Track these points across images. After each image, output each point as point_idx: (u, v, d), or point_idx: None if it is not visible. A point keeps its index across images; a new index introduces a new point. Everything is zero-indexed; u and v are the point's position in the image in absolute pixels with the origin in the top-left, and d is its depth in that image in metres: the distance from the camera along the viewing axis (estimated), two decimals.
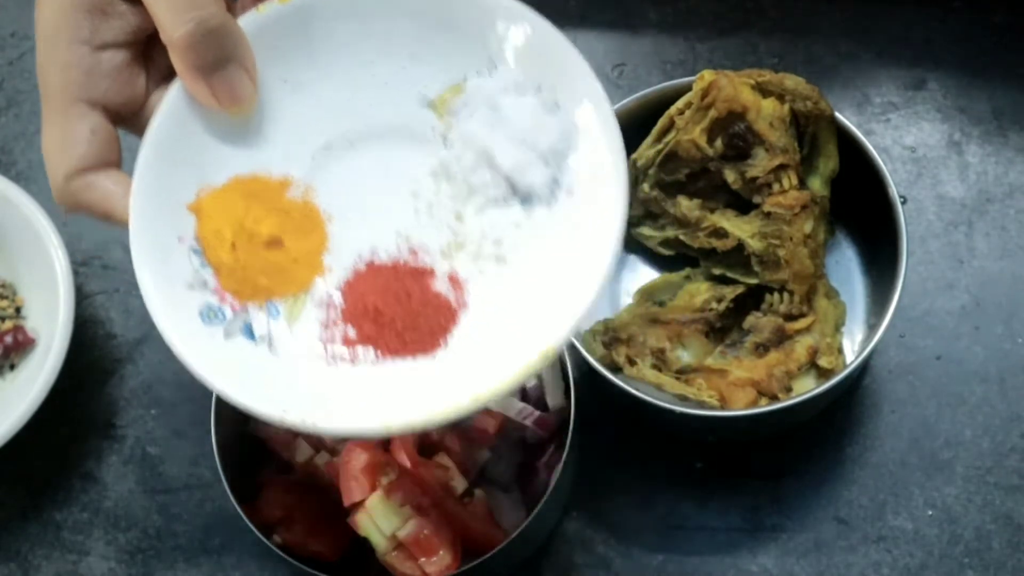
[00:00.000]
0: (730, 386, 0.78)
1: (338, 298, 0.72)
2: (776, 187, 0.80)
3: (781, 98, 0.81)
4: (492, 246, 0.73)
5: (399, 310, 0.71)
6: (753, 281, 0.81)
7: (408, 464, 0.77)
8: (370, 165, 0.74)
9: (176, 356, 0.69)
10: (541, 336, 0.68)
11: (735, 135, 0.80)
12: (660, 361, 0.81)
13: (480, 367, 0.69)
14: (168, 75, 0.69)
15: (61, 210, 0.72)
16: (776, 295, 0.80)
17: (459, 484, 0.78)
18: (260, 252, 0.73)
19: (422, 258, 0.73)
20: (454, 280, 0.72)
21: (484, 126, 0.72)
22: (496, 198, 0.73)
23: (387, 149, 0.74)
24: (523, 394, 0.82)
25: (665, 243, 0.85)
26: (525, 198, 0.72)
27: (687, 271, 0.85)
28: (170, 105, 0.71)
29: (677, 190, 0.83)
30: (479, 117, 0.72)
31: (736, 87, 0.79)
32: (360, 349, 0.71)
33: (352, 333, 0.71)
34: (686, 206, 0.82)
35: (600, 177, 0.70)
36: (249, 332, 0.72)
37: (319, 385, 0.69)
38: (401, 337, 0.71)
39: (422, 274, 0.72)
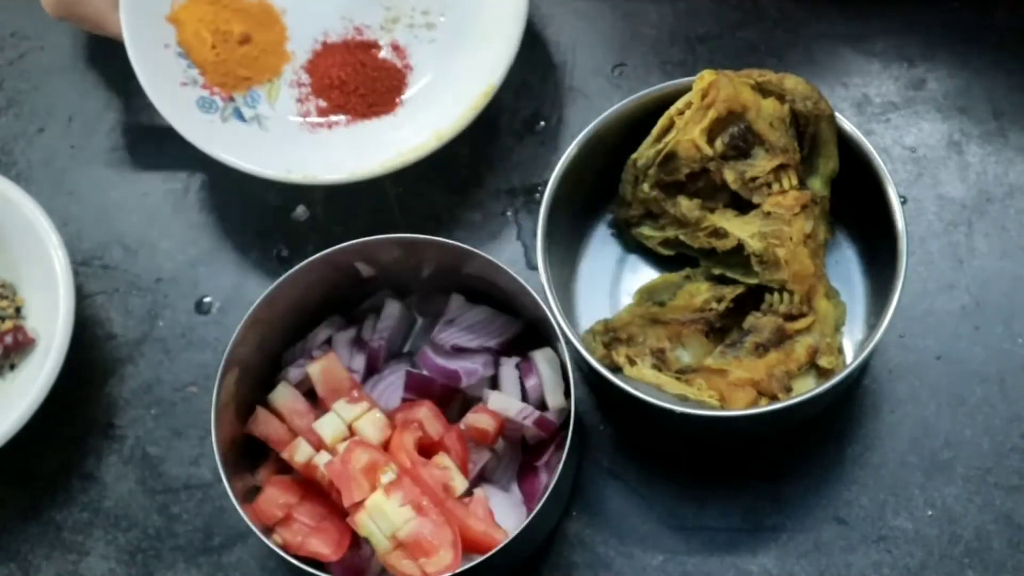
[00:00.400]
0: (730, 386, 0.78)
1: (305, 77, 0.90)
2: (776, 187, 0.80)
3: (781, 98, 0.81)
4: (421, 16, 0.91)
5: (358, 78, 0.90)
6: (753, 281, 0.81)
7: (408, 464, 0.77)
8: None
9: (187, 140, 0.86)
10: (481, 79, 0.86)
11: (735, 135, 0.80)
12: (660, 361, 0.81)
13: (435, 113, 0.87)
14: None
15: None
16: (776, 295, 0.80)
17: (459, 484, 0.78)
18: (235, 48, 0.90)
19: (366, 34, 0.92)
20: (396, 48, 0.91)
21: None
22: None
23: None
24: (523, 394, 0.82)
25: (665, 243, 0.85)
26: None
27: (687, 271, 0.85)
28: None
29: (677, 190, 0.83)
30: None
31: (736, 87, 0.79)
32: (333, 117, 0.89)
33: (323, 104, 0.90)
34: (686, 206, 0.82)
35: None
36: (240, 116, 0.89)
37: (307, 149, 0.85)
38: (365, 100, 0.89)
39: (369, 46, 0.91)
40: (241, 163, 0.86)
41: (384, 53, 0.91)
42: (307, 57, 0.92)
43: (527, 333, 0.84)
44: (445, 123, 0.86)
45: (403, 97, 0.90)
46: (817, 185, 0.82)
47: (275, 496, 0.79)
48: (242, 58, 0.90)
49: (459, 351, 0.83)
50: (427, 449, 0.80)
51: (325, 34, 0.92)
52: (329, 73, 0.90)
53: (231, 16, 0.91)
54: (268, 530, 0.79)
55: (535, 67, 0.96)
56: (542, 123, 0.95)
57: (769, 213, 0.80)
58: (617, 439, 0.86)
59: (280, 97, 0.91)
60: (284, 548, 0.77)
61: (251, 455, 0.82)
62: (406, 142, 0.86)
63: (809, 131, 0.81)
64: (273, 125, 0.89)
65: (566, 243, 0.86)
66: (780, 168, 0.80)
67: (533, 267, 0.90)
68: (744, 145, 0.80)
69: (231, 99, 0.90)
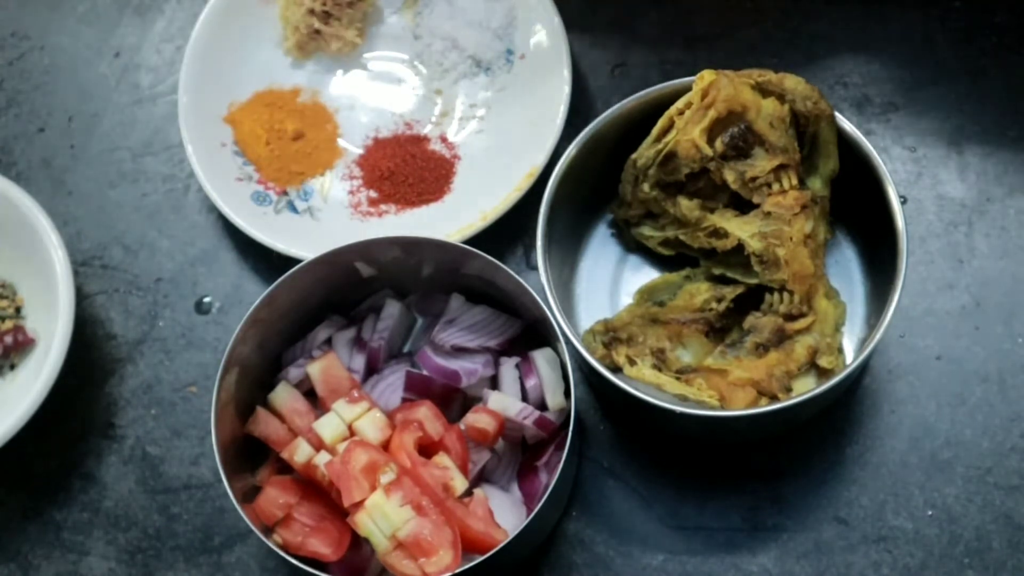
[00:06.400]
0: (730, 386, 0.78)
1: (357, 171, 0.93)
2: (776, 187, 0.80)
3: (781, 98, 0.81)
4: (469, 109, 0.94)
5: (408, 170, 0.92)
6: (753, 281, 0.81)
7: (408, 464, 0.77)
8: (359, 65, 0.97)
9: (241, 230, 0.89)
10: (524, 163, 0.88)
11: (735, 135, 0.80)
12: (660, 361, 0.81)
13: (481, 197, 0.89)
14: None
15: None
16: (776, 295, 0.80)
17: (459, 484, 0.78)
18: (289, 145, 0.94)
19: (416, 128, 0.94)
20: (445, 140, 0.94)
21: (445, 18, 0.95)
22: (465, 72, 0.95)
23: (370, 50, 0.97)
24: (523, 394, 0.82)
25: (665, 243, 0.85)
26: (487, 68, 0.94)
27: (687, 271, 0.85)
28: (196, 44, 0.94)
29: (677, 190, 0.83)
30: (439, 12, 0.95)
31: (736, 87, 0.79)
32: (383, 206, 0.91)
33: (375, 195, 0.92)
34: (686, 206, 0.82)
35: (543, 42, 0.92)
36: (293, 208, 0.92)
37: (357, 235, 0.83)
38: (415, 190, 0.91)
39: (419, 140, 0.94)
40: (292, 250, 0.88)
41: (433, 145, 0.93)
42: (359, 152, 0.94)
43: (527, 333, 0.84)
44: (491, 205, 0.88)
45: (451, 185, 0.92)
46: (817, 185, 0.82)
47: (275, 496, 0.79)
48: (295, 154, 0.94)
49: (459, 351, 0.83)
50: (427, 449, 0.80)
51: (376, 130, 0.95)
52: (380, 165, 0.93)
53: (285, 116, 0.94)
54: (268, 530, 0.79)
55: None
56: None
57: (769, 213, 0.80)
58: (617, 439, 0.86)
59: (332, 190, 0.93)
60: (284, 548, 0.77)
61: (251, 455, 0.82)
62: (452, 224, 0.88)
63: (809, 131, 0.81)
64: (325, 216, 0.92)
65: (566, 243, 0.86)
66: (780, 168, 0.80)
67: (533, 267, 0.90)
68: (744, 145, 0.80)
69: (284, 193, 0.93)
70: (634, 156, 0.83)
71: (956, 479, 0.83)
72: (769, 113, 0.80)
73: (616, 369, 0.80)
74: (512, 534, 0.75)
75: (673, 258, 0.86)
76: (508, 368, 0.83)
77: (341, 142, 0.95)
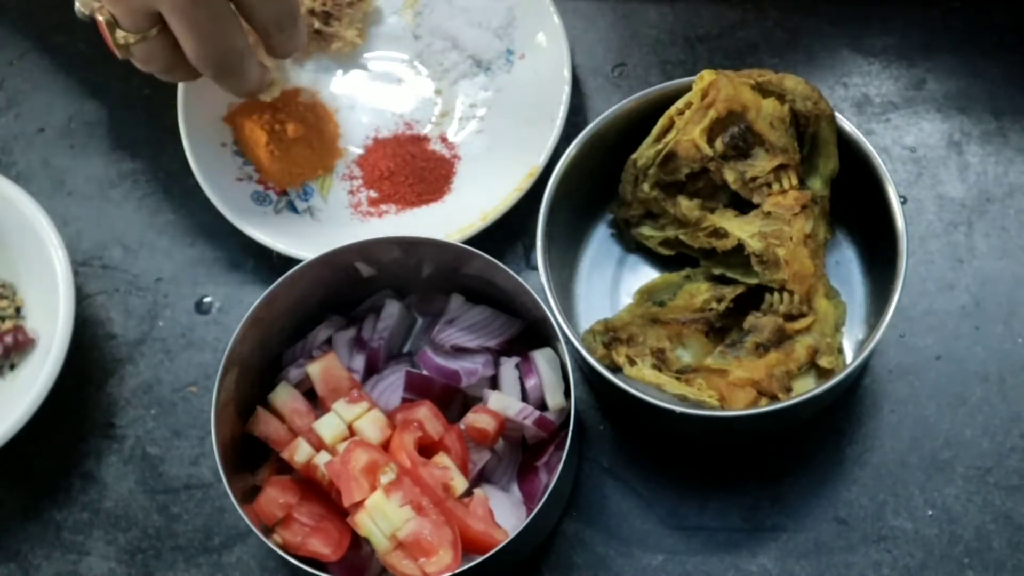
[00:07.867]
0: (730, 386, 0.78)
1: (357, 171, 0.93)
2: (776, 187, 0.80)
3: (781, 98, 0.81)
4: (469, 109, 0.94)
5: (408, 169, 0.92)
6: (753, 281, 0.81)
7: (408, 464, 0.77)
8: (359, 65, 0.97)
9: (241, 231, 0.89)
10: (524, 163, 0.88)
11: (735, 135, 0.80)
12: (660, 361, 0.81)
13: (481, 197, 0.89)
14: None
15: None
16: (776, 295, 0.80)
17: (459, 484, 0.78)
18: (289, 146, 0.93)
19: (416, 128, 0.94)
20: (445, 140, 0.93)
21: (445, 18, 0.95)
22: (465, 72, 0.95)
23: (370, 50, 0.97)
24: (523, 394, 0.82)
25: (665, 243, 0.85)
26: (487, 68, 0.94)
27: (687, 271, 0.85)
28: None
29: (677, 190, 0.83)
30: (439, 12, 0.95)
31: (736, 87, 0.79)
32: (383, 206, 0.91)
33: (375, 194, 0.92)
34: (686, 206, 0.82)
35: (543, 42, 0.92)
36: (293, 208, 0.92)
37: (358, 235, 0.83)
38: (415, 190, 0.91)
39: (419, 140, 0.94)
40: (292, 251, 0.88)
41: (433, 145, 0.93)
42: (359, 152, 0.94)
43: (527, 333, 0.84)
44: (491, 204, 0.88)
45: (451, 185, 0.92)
46: (817, 185, 0.82)
47: (275, 496, 0.79)
48: (296, 155, 0.93)
49: (459, 351, 0.83)
50: (427, 449, 0.80)
51: (377, 130, 0.95)
52: (379, 165, 0.93)
53: (286, 117, 0.94)
54: (268, 530, 0.79)
55: None
56: None
57: (769, 213, 0.80)
58: (617, 439, 0.86)
59: (332, 190, 0.93)
60: (284, 548, 0.77)
61: (251, 455, 0.82)
62: (453, 224, 0.88)
63: (809, 131, 0.81)
64: (325, 216, 0.92)
65: (566, 243, 0.86)
66: (780, 168, 0.80)
67: (533, 267, 0.90)
68: (744, 145, 0.80)
69: (284, 193, 0.93)
70: (634, 156, 0.83)
71: (956, 479, 0.83)
72: (769, 113, 0.80)
73: (616, 369, 0.80)
74: (512, 534, 0.75)
75: (673, 258, 0.86)
76: (508, 368, 0.83)
77: (341, 142, 0.95)
